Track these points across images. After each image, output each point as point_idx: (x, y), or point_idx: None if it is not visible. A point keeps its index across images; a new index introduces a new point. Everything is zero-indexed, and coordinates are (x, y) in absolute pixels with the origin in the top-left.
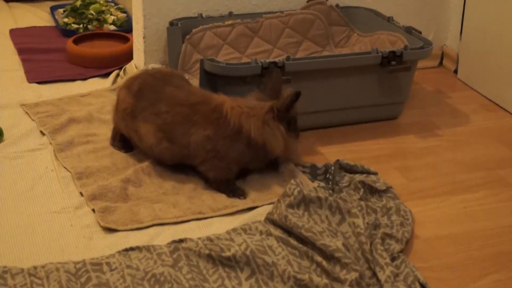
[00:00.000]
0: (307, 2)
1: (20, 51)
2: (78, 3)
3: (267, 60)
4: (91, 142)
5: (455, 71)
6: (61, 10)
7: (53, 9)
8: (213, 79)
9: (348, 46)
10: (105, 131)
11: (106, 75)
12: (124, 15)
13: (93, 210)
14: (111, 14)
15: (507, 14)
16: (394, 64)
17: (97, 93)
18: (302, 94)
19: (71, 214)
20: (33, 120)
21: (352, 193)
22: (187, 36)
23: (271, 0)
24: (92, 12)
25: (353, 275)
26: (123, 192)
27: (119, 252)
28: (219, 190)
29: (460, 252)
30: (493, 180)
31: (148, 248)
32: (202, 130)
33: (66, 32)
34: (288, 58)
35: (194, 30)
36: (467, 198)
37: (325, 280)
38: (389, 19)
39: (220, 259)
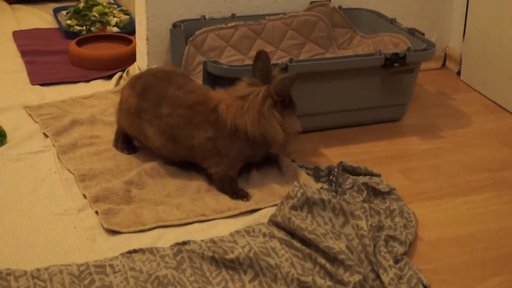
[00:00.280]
0: (310, 4)
1: (23, 53)
2: (81, 5)
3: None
4: (94, 144)
5: (458, 73)
6: (64, 12)
7: (56, 11)
8: (216, 81)
9: (351, 48)
10: (108, 133)
11: (109, 77)
12: (127, 17)
13: (96, 212)
14: (114, 16)
15: (510, 15)
16: (397, 66)
17: (100, 95)
18: (305, 96)
19: (74, 216)
20: (36, 122)
21: (356, 195)
22: (190, 38)
23: (274, 2)
24: (95, 14)
25: (357, 277)
26: (126, 194)
27: (122, 254)
28: (222, 190)
29: (464, 254)
30: (497, 181)
31: (151, 250)
32: (203, 132)
33: (69, 34)
34: (291, 60)
35: (197, 32)
36: (470, 200)
37: (329, 283)
38: (392, 21)
39: (224, 262)
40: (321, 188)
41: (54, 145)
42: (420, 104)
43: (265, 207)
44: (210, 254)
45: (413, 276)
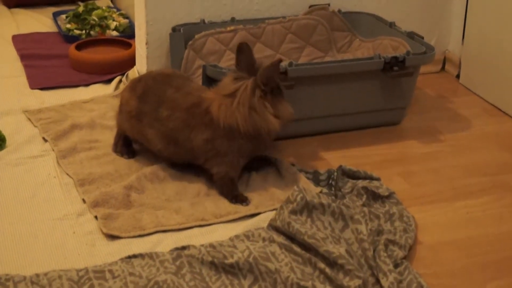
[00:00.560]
0: (309, 7)
1: (23, 57)
2: (81, 9)
3: None
4: (94, 149)
5: (457, 76)
6: (63, 16)
7: (55, 15)
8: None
9: (351, 52)
10: (108, 137)
11: (109, 81)
12: (127, 21)
13: (96, 217)
14: (114, 20)
15: (509, 19)
16: (396, 69)
17: (100, 99)
18: (304, 99)
19: (73, 221)
20: (35, 126)
21: (355, 199)
22: (190, 42)
23: (274, 5)
24: (94, 18)
25: (356, 282)
26: (126, 199)
27: (121, 259)
28: (222, 193)
29: (463, 258)
30: (496, 185)
31: (150, 255)
32: (200, 134)
33: (68, 38)
34: (290, 64)
35: (196, 36)
36: (470, 203)
37: (329, 287)
38: (391, 25)
39: (223, 266)
40: (321, 192)
41: (53, 150)
42: (419, 107)
43: (264, 212)
44: (210, 259)
45: (413, 280)
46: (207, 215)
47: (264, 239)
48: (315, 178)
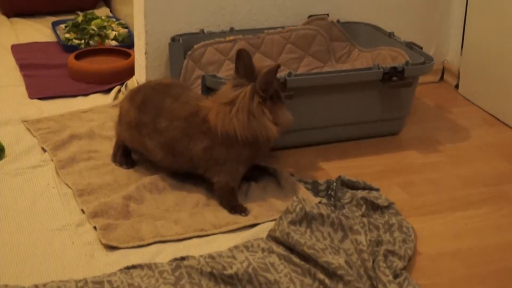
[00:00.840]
0: (308, 17)
1: (22, 67)
2: (80, 18)
3: None
4: (93, 159)
5: (456, 86)
6: (62, 26)
7: (54, 25)
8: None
9: (349, 62)
10: (107, 147)
11: (108, 91)
12: (126, 30)
13: (95, 228)
14: (113, 30)
15: (508, 29)
16: (395, 79)
17: (99, 109)
18: (303, 109)
19: (72, 232)
20: (34, 136)
21: (354, 209)
22: (189, 52)
23: (273, 15)
24: (93, 27)
25: None
26: (125, 209)
27: (120, 270)
28: (222, 203)
29: (463, 269)
30: (496, 195)
31: (149, 266)
32: (199, 143)
33: (67, 47)
34: (290, 74)
35: (195, 46)
36: (469, 214)
37: None
38: (390, 35)
39: (222, 277)
40: (320, 202)
41: (52, 160)
42: (418, 117)
43: (263, 222)
44: (209, 269)
45: None
46: (206, 226)
47: (263, 250)
48: (314, 189)
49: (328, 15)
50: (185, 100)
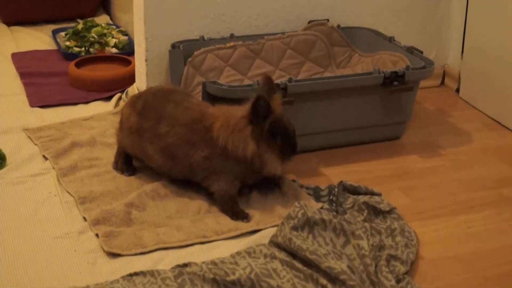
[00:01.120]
0: (308, 23)
1: (22, 75)
2: (80, 26)
3: None
4: (94, 166)
5: (457, 90)
6: (62, 34)
7: (54, 33)
8: (216, 101)
9: (350, 67)
10: (108, 155)
11: (108, 98)
12: (126, 37)
13: (97, 235)
14: (113, 37)
15: (508, 32)
16: (396, 84)
17: (100, 116)
18: (304, 115)
19: (74, 239)
20: (35, 144)
21: (356, 214)
22: (189, 59)
23: (273, 21)
24: (93, 35)
25: None
26: (127, 217)
27: (123, 277)
28: (223, 210)
29: (465, 273)
30: (497, 199)
31: (152, 273)
32: (200, 151)
33: (68, 55)
34: (290, 80)
35: (196, 53)
36: (471, 218)
37: None
38: (391, 39)
39: (225, 283)
40: (322, 208)
41: (53, 168)
42: (419, 122)
43: (265, 228)
44: (211, 276)
45: None
46: (208, 232)
47: (265, 256)
48: (316, 194)
49: (328, 20)
50: (187, 106)
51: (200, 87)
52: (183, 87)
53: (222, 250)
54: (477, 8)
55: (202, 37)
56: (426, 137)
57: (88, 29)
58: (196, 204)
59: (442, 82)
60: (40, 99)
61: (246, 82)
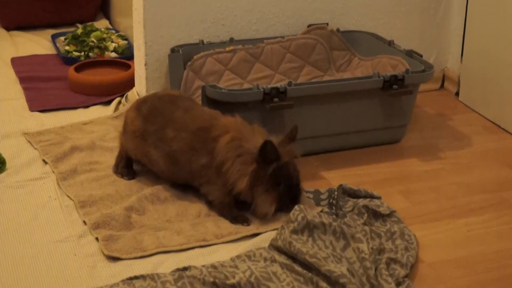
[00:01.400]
0: (308, 27)
1: (22, 80)
2: (79, 31)
3: (269, 86)
4: (94, 170)
5: (457, 94)
6: (62, 38)
7: (54, 37)
8: (215, 105)
9: (350, 70)
10: (108, 159)
11: (108, 102)
12: (125, 42)
13: (97, 239)
14: (112, 42)
15: (508, 36)
16: (395, 87)
17: (99, 120)
18: (304, 119)
19: (74, 243)
20: (35, 148)
21: (356, 217)
22: (189, 63)
23: (272, 25)
24: (93, 39)
25: None
26: (127, 220)
27: (123, 281)
28: (222, 214)
29: (466, 276)
30: (497, 202)
31: (152, 277)
32: (200, 158)
33: (67, 60)
34: (290, 84)
35: (195, 57)
36: (471, 221)
37: None
38: (390, 43)
39: (225, 287)
40: (322, 211)
41: (53, 172)
42: (419, 125)
43: (265, 232)
44: (211, 279)
45: None
46: (208, 236)
47: (265, 259)
48: (316, 198)
49: (327, 24)
50: (197, 114)
51: (199, 91)
52: (183, 91)
53: (222, 253)
54: (476, 12)
55: (202, 41)
56: (426, 141)
57: (87, 33)
58: (196, 208)
59: (442, 86)
60: (39, 103)
61: (246, 86)
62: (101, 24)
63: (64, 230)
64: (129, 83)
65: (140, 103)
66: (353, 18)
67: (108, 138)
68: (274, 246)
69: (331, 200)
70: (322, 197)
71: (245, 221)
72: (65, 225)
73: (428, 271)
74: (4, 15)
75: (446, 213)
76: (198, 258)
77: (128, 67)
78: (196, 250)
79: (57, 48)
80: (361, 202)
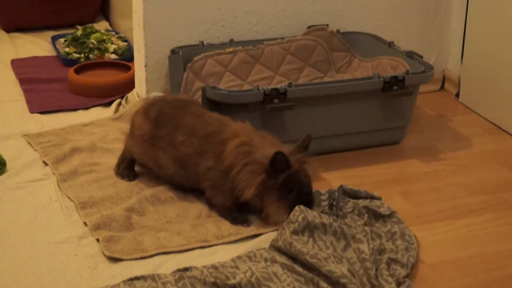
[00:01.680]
0: (308, 28)
1: (22, 82)
2: (79, 32)
3: (269, 87)
4: (94, 172)
5: (457, 95)
6: (62, 40)
7: (54, 39)
8: (216, 106)
9: (350, 72)
10: (108, 160)
11: (108, 104)
12: (125, 44)
13: (97, 240)
14: (112, 43)
15: (508, 37)
16: (396, 89)
17: (99, 122)
18: (304, 120)
19: (75, 244)
20: (35, 150)
21: (356, 218)
22: (189, 64)
23: (272, 27)
24: (93, 41)
25: None
26: (127, 221)
27: (124, 281)
28: (223, 215)
29: (466, 277)
30: (497, 203)
31: (153, 277)
32: (207, 161)
33: (67, 61)
34: (290, 85)
35: (195, 58)
36: (471, 222)
37: None
38: (390, 44)
39: (226, 287)
40: (322, 212)
41: (54, 173)
42: (419, 126)
43: (266, 232)
44: (212, 280)
45: None
46: (209, 237)
47: (266, 260)
48: (316, 198)
49: (327, 25)
50: (208, 120)
51: (199, 93)
52: (183, 92)
53: (222, 254)
54: (477, 13)
55: (202, 43)
56: (426, 142)
57: (87, 35)
58: (197, 209)
59: (442, 87)
60: (39, 105)
61: (246, 87)
62: (101, 25)
63: (64, 231)
64: (129, 85)
65: (148, 107)
66: (353, 19)
67: (108, 139)
68: (274, 247)
69: (331, 201)
70: (323, 198)
71: (245, 222)
72: (65, 226)
73: (428, 271)
74: (4, 17)
75: (446, 214)
76: (199, 259)
77: (128, 68)
78: (197, 251)
79: (57, 50)
80: (362, 202)
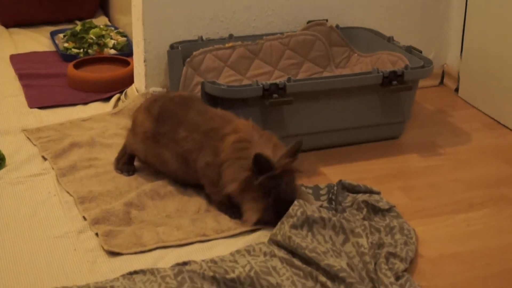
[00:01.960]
0: (307, 23)
1: (21, 77)
2: (78, 28)
3: (268, 82)
4: (93, 167)
5: (456, 90)
6: (61, 35)
7: (53, 34)
8: (215, 101)
9: (349, 67)
10: (107, 155)
11: (107, 99)
12: (124, 39)
13: (97, 234)
14: (111, 38)
15: (507, 32)
16: (395, 83)
17: (99, 117)
18: (303, 115)
19: (74, 239)
20: (34, 145)
21: (355, 212)
22: (188, 59)
23: (271, 22)
24: (92, 36)
25: None
26: (126, 216)
27: (123, 275)
28: (221, 210)
29: (465, 271)
30: (496, 198)
31: (152, 271)
32: (205, 156)
33: (66, 57)
34: (289, 80)
35: (194, 53)
36: (470, 216)
37: None
38: (390, 39)
39: (225, 281)
40: (321, 206)
41: (53, 168)
42: (419, 121)
43: (265, 227)
44: (211, 274)
45: None
46: (208, 231)
47: (265, 254)
48: (315, 193)
49: (327, 20)
50: (210, 116)
51: (199, 88)
52: (182, 87)
53: (221, 248)
54: (476, 8)
55: (201, 38)
56: (425, 137)
57: (86, 30)
58: (196, 203)
59: (441, 82)
60: (39, 100)
61: (245, 82)
62: (100, 21)
63: (64, 225)
64: (128, 80)
65: (150, 104)
66: (353, 14)
67: (107, 134)
68: (273, 241)
69: (330, 195)
70: (322, 192)
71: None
72: (64, 220)
73: (427, 266)
74: (3, 12)
75: (446, 209)
76: (198, 253)
77: (127, 63)
78: (196, 245)
79: (56, 45)
80: (361, 197)
